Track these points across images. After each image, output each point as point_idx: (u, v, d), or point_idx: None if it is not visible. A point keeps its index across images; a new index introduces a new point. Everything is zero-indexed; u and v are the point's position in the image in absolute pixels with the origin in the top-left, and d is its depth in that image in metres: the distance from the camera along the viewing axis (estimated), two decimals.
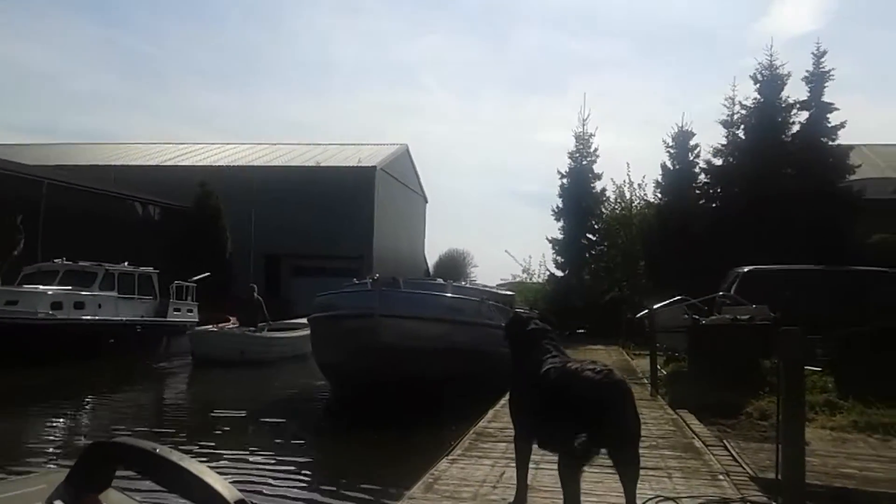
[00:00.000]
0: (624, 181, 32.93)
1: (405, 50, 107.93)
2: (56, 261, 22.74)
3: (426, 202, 57.39)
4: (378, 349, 13.13)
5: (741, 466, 6.55)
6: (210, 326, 24.14)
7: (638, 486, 4.42)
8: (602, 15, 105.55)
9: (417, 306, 14.52)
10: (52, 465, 8.61)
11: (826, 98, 25.37)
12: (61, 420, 13.41)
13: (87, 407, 15.09)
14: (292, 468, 8.98)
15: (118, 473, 1.37)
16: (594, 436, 4.05)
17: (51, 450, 10.27)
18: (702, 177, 28.41)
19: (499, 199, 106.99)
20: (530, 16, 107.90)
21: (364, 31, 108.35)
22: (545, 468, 5.76)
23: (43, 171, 32.91)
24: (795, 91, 26.15)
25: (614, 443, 4.11)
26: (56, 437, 11.71)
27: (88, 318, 21.52)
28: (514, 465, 5.20)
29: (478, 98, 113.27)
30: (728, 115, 27.52)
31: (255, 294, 24.69)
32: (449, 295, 16.15)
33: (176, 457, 1.27)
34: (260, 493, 7.31)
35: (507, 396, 10.23)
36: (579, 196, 31.77)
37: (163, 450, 1.29)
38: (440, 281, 20.40)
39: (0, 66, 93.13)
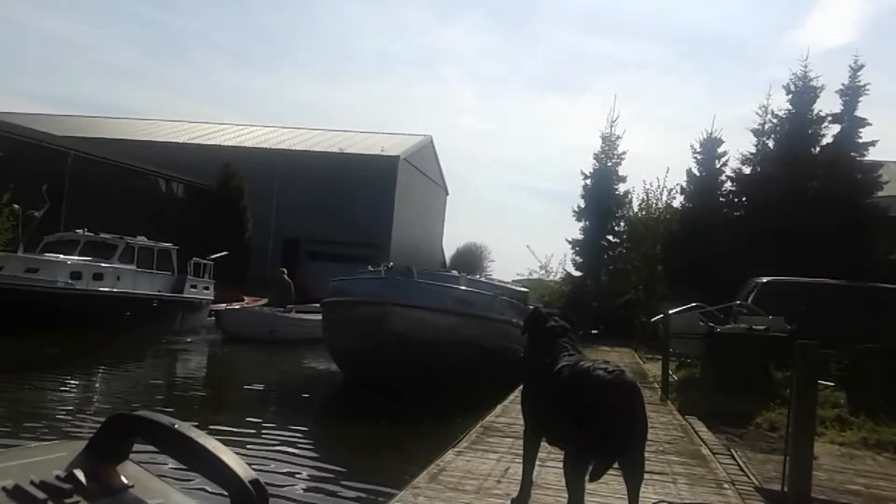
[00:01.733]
0: (656, 185, 32.59)
1: (428, 41, 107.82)
2: (77, 231, 23.01)
3: (447, 194, 57.43)
4: (387, 337, 13.21)
5: (747, 476, 6.54)
6: (225, 305, 24.62)
7: (643, 490, 4.42)
8: (630, 17, 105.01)
9: (429, 297, 14.57)
10: (72, 434, 8.75)
11: (859, 112, 25.13)
12: (78, 390, 13.65)
13: (103, 378, 15.31)
14: (300, 450, 9.06)
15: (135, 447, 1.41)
16: (601, 435, 4.07)
17: (68, 418, 10.43)
18: (728, 185, 28.25)
19: (517, 195, 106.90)
20: (554, 13, 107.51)
21: (387, 19, 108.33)
22: (551, 466, 5.78)
23: (70, 143, 33.29)
24: (827, 103, 25.99)
25: (622, 448, 4.13)
26: (73, 406, 11.88)
27: (106, 289, 21.76)
28: (520, 460, 5.21)
29: (499, 93, 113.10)
30: (760, 124, 27.33)
31: (286, 276, 25.58)
32: (461, 288, 16.19)
33: (194, 433, 1.30)
34: (266, 470, 7.41)
35: (516, 392, 10.31)
36: (602, 198, 31.60)
37: (181, 425, 1.32)
38: (455, 273, 20.44)
39: (27, 36, 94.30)
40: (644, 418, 4.24)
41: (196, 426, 1.30)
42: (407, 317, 13.69)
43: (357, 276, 16.93)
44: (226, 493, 1.22)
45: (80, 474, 1.28)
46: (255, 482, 1.25)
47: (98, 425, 1.42)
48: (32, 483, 1.23)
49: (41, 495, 1.21)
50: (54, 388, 13.17)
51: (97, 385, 14.53)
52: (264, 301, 26.92)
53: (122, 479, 1.32)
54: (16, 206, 21.88)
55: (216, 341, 23.70)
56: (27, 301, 18.24)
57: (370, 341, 13.50)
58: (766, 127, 27.17)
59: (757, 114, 27.45)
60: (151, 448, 1.30)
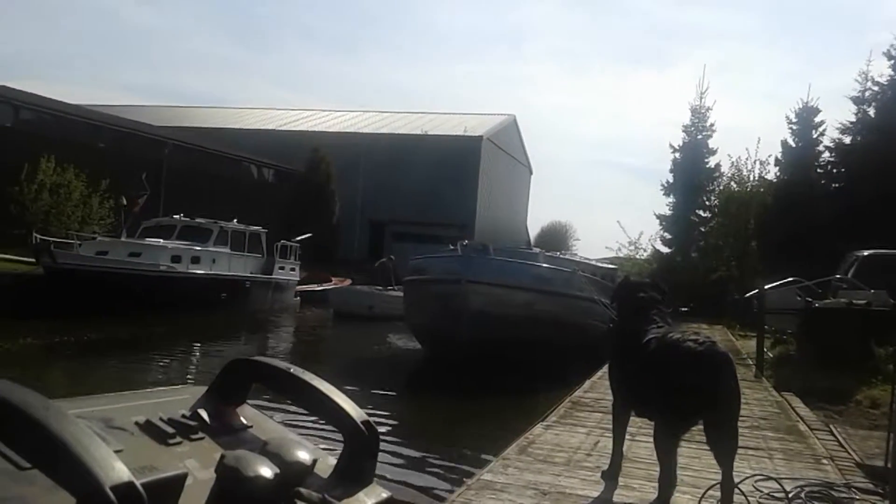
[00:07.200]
0: (748, 157, 31.43)
1: (514, 19, 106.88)
2: (174, 216, 23.98)
3: (531, 173, 57.02)
4: (464, 314, 13.32)
5: (847, 452, 6.32)
6: (315, 285, 25.82)
7: (737, 464, 4.32)
8: None
9: (504, 274, 14.58)
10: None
11: None
12: (189, 363, 14.67)
13: (208, 353, 16.17)
14: (388, 423, 9.22)
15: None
16: (692, 407, 4.00)
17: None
18: (825, 155, 27.03)
19: (604, 172, 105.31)
20: None
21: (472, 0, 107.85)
22: (641, 440, 5.73)
23: (166, 132, 34.66)
24: None
25: (712, 416, 4.05)
26: (187, 376, 12.61)
27: (203, 272, 22.62)
28: (609, 435, 5.18)
29: (585, 69, 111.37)
30: (859, 92, 25.92)
31: (388, 263, 27.44)
32: (538, 264, 16.11)
33: (308, 377, 1.40)
34: None
35: (604, 367, 10.24)
36: (692, 171, 30.75)
37: (296, 370, 1.42)
38: (535, 250, 20.38)
39: (119, 28, 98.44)
40: (737, 390, 4.12)
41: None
42: (482, 293, 13.76)
43: (435, 254, 17.12)
44: (336, 434, 1.31)
45: (203, 414, 1.39)
46: (366, 423, 1.33)
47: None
48: (161, 419, 1.34)
49: (170, 430, 1.32)
50: (166, 362, 13.96)
51: (204, 358, 15.27)
52: (349, 282, 28.29)
53: (242, 419, 1.43)
54: (123, 198, 22.94)
55: (305, 317, 25.44)
56: (132, 284, 19.11)
57: (447, 317, 13.67)
58: (867, 95, 25.79)
59: (856, 81, 26.10)
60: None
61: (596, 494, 4.67)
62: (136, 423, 1.31)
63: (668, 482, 4.13)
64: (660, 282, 5.14)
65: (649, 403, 4.34)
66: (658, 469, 4.19)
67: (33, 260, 18.71)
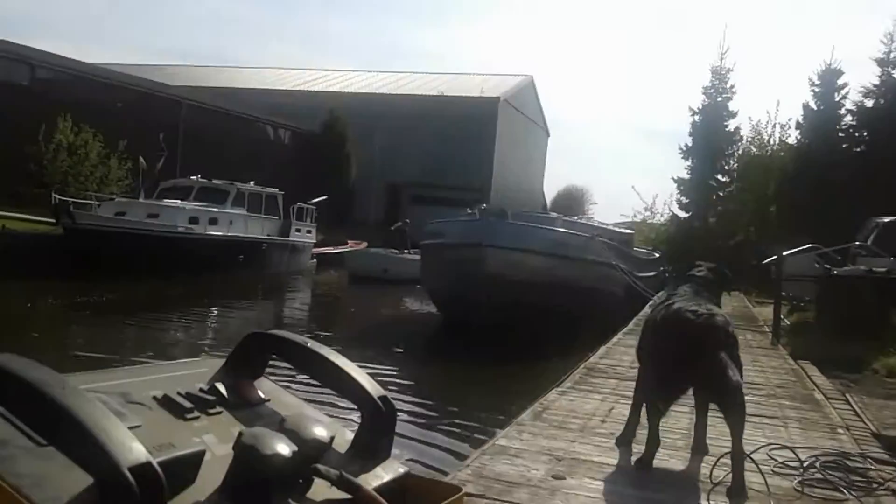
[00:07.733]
0: (768, 121, 30.92)
1: None
2: (192, 178, 24.04)
3: (548, 136, 56.53)
4: (482, 279, 13.30)
5: (863, 422, 6.30)
6: (331, 248, 25.96)
7: (752, 433, 4.34)
8: None
9: (523, 238, 14.52)
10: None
11: None
12: (207, 326, 14.78)
13: (226, 315, 16.34)
14: (403, 387, 9.29)
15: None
16: (679, 377, 4.03)
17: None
18: (847, 118, 26.52)
19: (621, 134, 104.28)
20: None
21: None
22: None
23: (182, 92, 34.56)
24: None
25: (709, 387, 4.04)
26: (206, 339, 12.72)
27: (221, 234, 22.73)
28: (624, 401, 5.21)
29: (604, 28, 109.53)
30: (884, 53, 25.33)
31: (404, 227, 27.36)
32: (556, 229, 16.03)
33: (325, 351, 1.39)
34: None
35: (619, 334, 10.26)
36: (711, 135, 30.31)
37: (314, 344, 1.41)
38: (553, 215, 20.28)
39: None
40: (735, 362, 3.97)
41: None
42: (500, 258, 13.72)
43: (452, 218, 17.08)
44: (355, 409, 1.32)
45: (221, 388, 1.40)
46: (383, 398, 1.33)
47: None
48: (179, 394, 1.35)
49: (188, 405, 1.33)
50: (184, 325, 14.11)
51: (221, 321, 15.40)
52: (365, 244, 28.32)
53: (260, 393, 1.43)
54: (142, 159, 22.98)
55: (321, 279, 25.93)
56: (151, 245, 19.24)
57: (464, 282, 13.67)
58: (892, 56, 25.20)
59: (882, 42, 25.50)
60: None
61: (610, 461, 4.69)
62: (154, 398, 1.32)
63: (652, 442, 4.28)
64: (725, 268, 5.11)
65: (651, 370, 4.41)
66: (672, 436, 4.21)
67: (53, 220, 18.86)
